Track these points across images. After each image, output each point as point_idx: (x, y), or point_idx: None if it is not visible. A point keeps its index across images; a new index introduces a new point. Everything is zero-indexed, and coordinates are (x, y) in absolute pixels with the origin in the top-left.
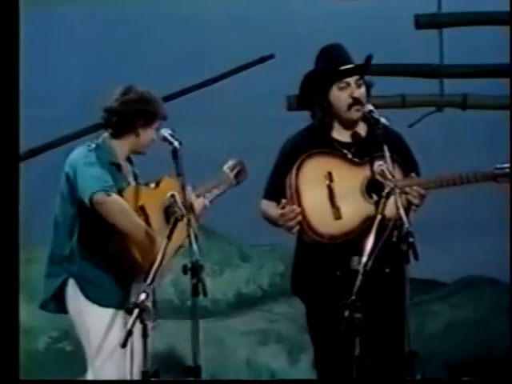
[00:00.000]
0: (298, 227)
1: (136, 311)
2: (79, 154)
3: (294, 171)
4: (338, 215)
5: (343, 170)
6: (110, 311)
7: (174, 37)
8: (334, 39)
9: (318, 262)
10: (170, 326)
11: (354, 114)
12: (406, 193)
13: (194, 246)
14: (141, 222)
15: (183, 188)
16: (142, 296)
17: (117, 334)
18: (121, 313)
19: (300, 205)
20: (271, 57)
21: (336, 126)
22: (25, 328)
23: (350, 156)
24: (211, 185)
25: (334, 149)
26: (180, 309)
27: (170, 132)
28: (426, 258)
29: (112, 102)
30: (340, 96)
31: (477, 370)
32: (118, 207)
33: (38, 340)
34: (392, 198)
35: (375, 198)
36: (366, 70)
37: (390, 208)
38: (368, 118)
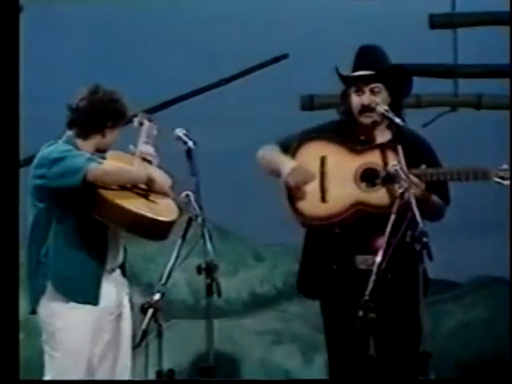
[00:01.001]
0: (296, 185)
1: (150, 311)
2: (47, 152)
3: (291, 152)
4: (325, 198)
5: (339, 155)
6: (82, 312)
7: (178, 36)
8: (348, 39)
9: (317, 257)
10: (184, 325)
11: (365, 119)
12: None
13: (209, 246)
14: (130, 168)
15: (198, 188)
16: (157, 296)
17: (87, 335)
18: (93, 312)
19: (291, 190)
20: (285, 57)
21: (356, 125)
22: (34, 328)
23: (349, 143)
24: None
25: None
26: (194, 309)
27: (184, 132)
28: (439, 258)
29: (79, 101)
30: (354, 100)
31: (490, 370)
32: (114, 169)
33: None
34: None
35: (367, 185)
36: (382, 77)
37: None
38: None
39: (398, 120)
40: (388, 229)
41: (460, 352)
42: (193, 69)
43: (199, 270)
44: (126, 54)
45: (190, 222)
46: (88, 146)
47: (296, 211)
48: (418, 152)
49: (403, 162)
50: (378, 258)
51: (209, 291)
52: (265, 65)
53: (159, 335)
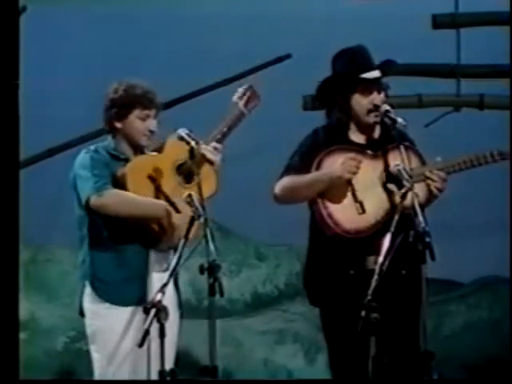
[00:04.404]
0: (352, 176)
1: (153, 311)
2: (77, 157)
3: (313, 170)
4: (361, 209)
5: (361, 164)
6: (122, 313)
7: (181, 36)
8: (351, 39)
9: (331, 261)
10: (186, 325)
11: (373, 118)
12: (427, 177)
13: (211, 246)
14: (145, 199)
15: (200, 188)
16: (159, 296)
17: (126, 337)
18: (133, 313)
19: (323, 202)
20: (288, 57)
21: (352, 127)
22: (44, 328)
23: (366, 150)
24: (223, 124)
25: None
26: (197, 308)
27: (186, 132)
28: (442, 258)
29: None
30: (361, 101)
31: (493, 370)
32: (117, 200)
33: (56, 339)
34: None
35: (395, 188)
36: (386, 74)
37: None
38: (383, 121)
39: (400, 120)
40: (391, 229)
41: (463, 352)
42: (196, 69)
43: (202, 269)
44: (128, 54)
45: (192, 221)
46: (121, 142)
47: (338, 227)
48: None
49: (406, 161)
50: (381, 259)
51: (211, 291)
52: (268, 65)
53: (161, 335)
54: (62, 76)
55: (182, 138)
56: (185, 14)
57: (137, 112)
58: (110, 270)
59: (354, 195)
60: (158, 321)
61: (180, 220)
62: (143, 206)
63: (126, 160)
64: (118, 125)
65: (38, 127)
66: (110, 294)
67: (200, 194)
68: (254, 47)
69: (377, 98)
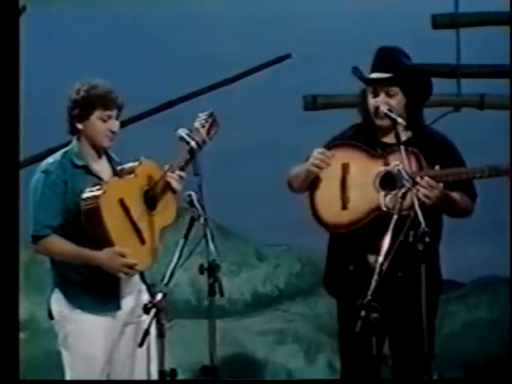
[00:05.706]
0: (316, 170)
1: (153, 311)
2: (35, 175)
3: None
4: (346, 205)
5: (360, 161)
6: (94, 318)
7: (181, 35)
8: (351, 39)
9: (336, 256)
10: (186, 325)
11: (380, 121)
12: (416, 183)
13: (211, 246)
14: (79, 251)
15: (200, 188)
16: (159, 296)
17: (99, 340)
18: (106, 317)
19: (313, 193)
20: (288, 56)
21: (375, 127)
22: (44, 328)
23: (371, 148)
24: (186, 151)
25: (370, 147)
26: (197, 309)
27: (187, 132)
28: (442, 258)
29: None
30: (370, 102)
31: (494, 370)
32: (51, 251)
33: (56, 339)
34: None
35: (389, 191)
36: (397, 80)
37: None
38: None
39: (400, 120)
40: (391, 229)
41: (464, 352)
42: (196, 68)
43: (201, 269)
44: (129, 54)
45: (192, 221)
46: (85, 145)
47: (318, 219)
48: (435, 152)
49: (406, 162)
50: (381, 259)
51: (211, 291)
52: (268, 65)
53: (161, 335)
54: (62, 76)
55: (181, 138)
56: (185, 15)
57: (98, 113)
58: (80, 279)
59: (342, 191)
60: (158, 321)
61: (142, 245)
62: (78, 258)
63: (84, 167)
64: (80, 126)
65: (38, 127)
66: (81, 301)
67: (162, 221)
68: (254, 47)
69: (381, 100)
